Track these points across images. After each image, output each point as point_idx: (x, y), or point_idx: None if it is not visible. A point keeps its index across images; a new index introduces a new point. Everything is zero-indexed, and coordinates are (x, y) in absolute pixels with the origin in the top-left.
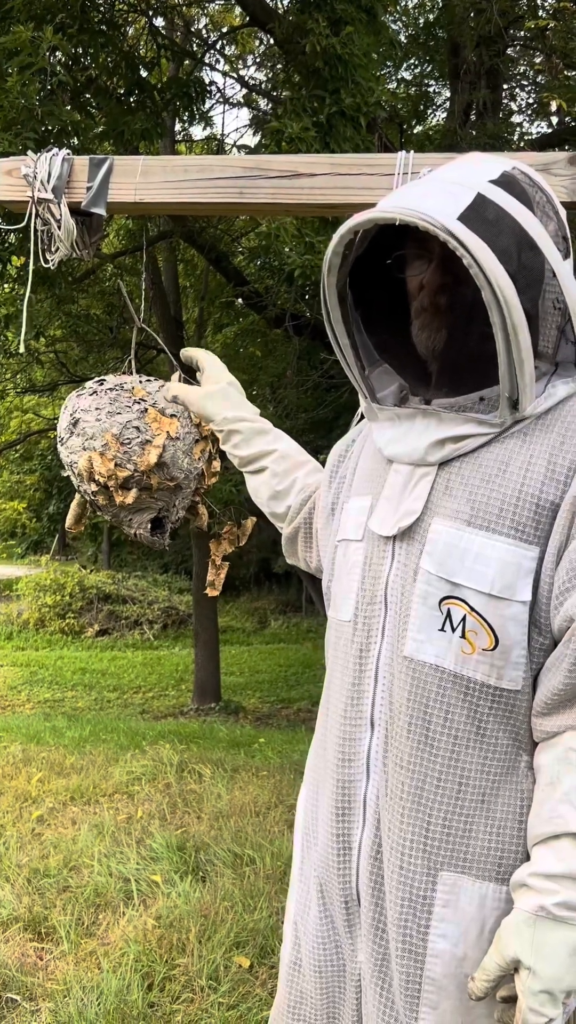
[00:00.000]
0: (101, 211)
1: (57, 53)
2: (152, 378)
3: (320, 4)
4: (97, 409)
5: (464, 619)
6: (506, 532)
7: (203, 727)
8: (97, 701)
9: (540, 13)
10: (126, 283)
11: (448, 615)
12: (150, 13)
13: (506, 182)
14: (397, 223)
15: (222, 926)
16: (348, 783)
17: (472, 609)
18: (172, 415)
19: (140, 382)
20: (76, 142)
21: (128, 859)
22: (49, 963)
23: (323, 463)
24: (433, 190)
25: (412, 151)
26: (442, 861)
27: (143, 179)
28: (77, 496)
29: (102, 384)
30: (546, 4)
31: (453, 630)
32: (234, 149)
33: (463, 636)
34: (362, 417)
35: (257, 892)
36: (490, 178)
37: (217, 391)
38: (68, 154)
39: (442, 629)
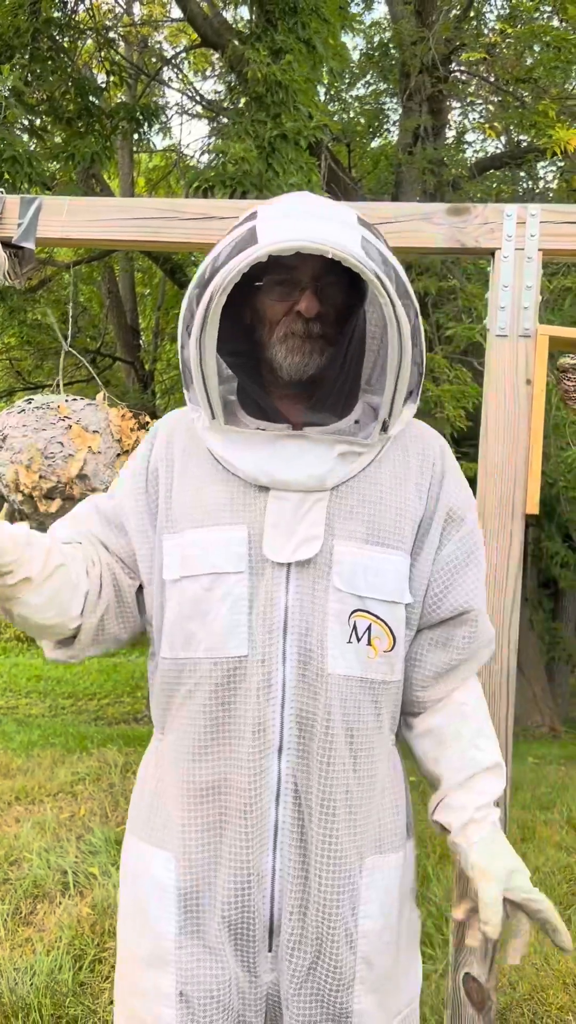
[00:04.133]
0: (31, 245)
1: (8, 82)
2: (78, 397)
3: (261, 35)
4: (24, 426)
5: (369, 628)
6: (395, 546)
7: (152, 731)
8: (51, 708)
9: (486, 32)
10: (82, 292)
11: (354, 627)
12: (102, 32)
13: (364, 223)
14: (330, 255)
15: None
16: (260, 815)
17: (377, 617)
18: (95, 431)
19: (66, 401)
20: (28, 169)
21: (67, 853)
22: None
23: None
24: (333, 225)
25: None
26: (367, 849)
27: (69, 217)
28: (5, 506)
29: (30, 403)
30: (487, 31)
31: (359, 640)
32: (196, 158)
33: (369, 643)
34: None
35: None
36: (357, 216)
37: None
38: (1, 192)
39: (349, 641)
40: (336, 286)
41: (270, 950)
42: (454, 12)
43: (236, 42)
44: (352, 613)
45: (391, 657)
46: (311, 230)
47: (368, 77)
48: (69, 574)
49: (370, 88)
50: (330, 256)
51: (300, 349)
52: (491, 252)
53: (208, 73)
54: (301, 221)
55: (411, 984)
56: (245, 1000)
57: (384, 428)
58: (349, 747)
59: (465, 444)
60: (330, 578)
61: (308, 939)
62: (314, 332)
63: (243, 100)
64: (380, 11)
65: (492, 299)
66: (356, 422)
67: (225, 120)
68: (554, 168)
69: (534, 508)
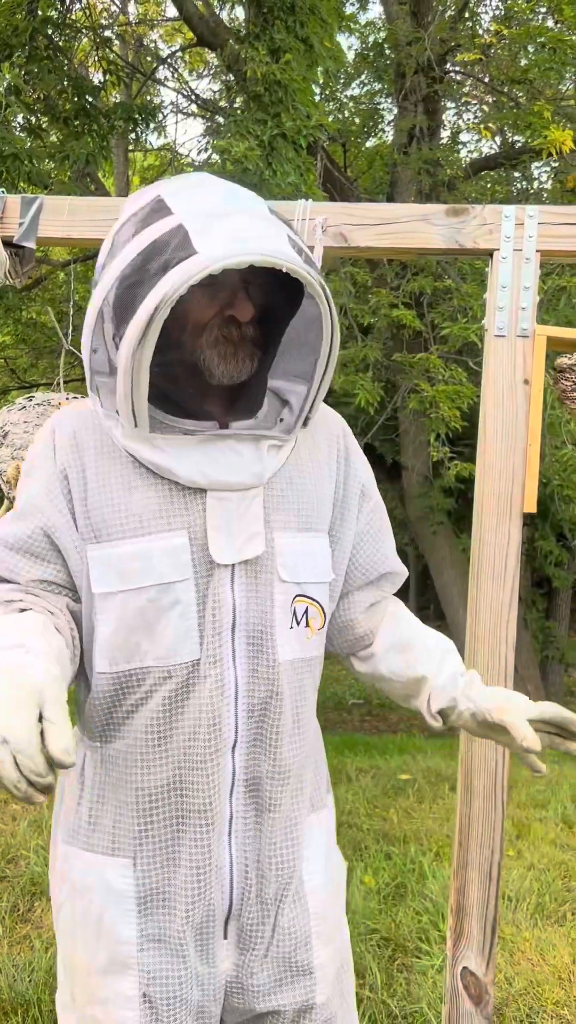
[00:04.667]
0: (31, 244)
1: (6, 80)
2: (78, 396)
3: (259, 34)
4: (25, 422)
5: (306, 610)
6: (319, 528)
7: None
8: None
9: (481, 32)
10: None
11: (294, 612)
12: (99, 31)
13: (274, 212)
14: (284, 269)
15: None
16: (218, 810)
17: (312, 599)
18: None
19: (66, 398)
20: (27, 167)
21: None
22: None
23: None
24: (267, 227)
25: (310, 199)
26: (304, 813)
27: (70, 217)
28: (6, 502)
29: (31, 400)
30: (482, 32)
31: (298, 623)
32: (191, 156)
33: (307, 625)
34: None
35: None
36: (266, 205)
37: None
38: (2, 192)
39: (292, 627)
40: (261, 287)
41: (225, 937)
42: (449, 13)
43: (233, 41)
44: (294, 599)
45: (321, 633)
46: (253, 238)
47: (363, 77)
48: (67, 659)
49: (365, 88)
50: (283, 270)
51: (235, 355)
52: (489, 253)
53: (203, 72)
54: (234, 224)
55: (345, 927)
56: (205, 991)
57: (305, 422)
58: (295, 727)
59: (460, 444)
60: (275, 571)
61: (268, 914)
62: (247, 336)
63: (240, 99)
64: (375, 11)
65: (490, 300)
66: (281, 419)
67: (221, 119)
68: (548, 168)
69: (532, 507)
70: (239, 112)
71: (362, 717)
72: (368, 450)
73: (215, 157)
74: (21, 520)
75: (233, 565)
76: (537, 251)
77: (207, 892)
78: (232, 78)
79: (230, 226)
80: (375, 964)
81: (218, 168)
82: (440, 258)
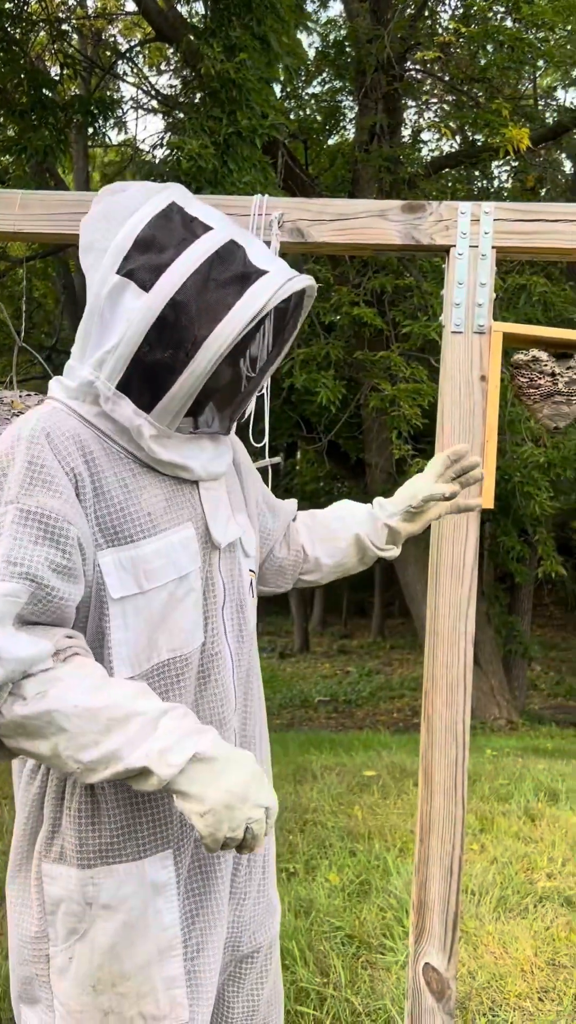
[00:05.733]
0: None
1: None
2: (32, 393)
3: (215, 31)
4: None
5: (252, 582)
6: (243, 509)
7: None
8: None
9: (440, 31)
10: (36, 288)
11: (250, 584)
12: (55, 24)
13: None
14: (309, 297)
15: None
16: None
17: (254, 571)
18: None
19: (19, 396)
20: None
21: None
22: None
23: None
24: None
25: (266, 195)
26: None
27: (22, 211)
28: None
29: None
30: (441, 31)
31: (251, 595)
32: (152, 153)
33: (252, 595)
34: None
35: None
36: None
37: None
38: None
39: (250, 597)
40: None
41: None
42: (409, 11)
43: (191, 37)
44: (250, 573)
45: (255, 600)
46: (286, 273)
47: (324, 75)
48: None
49: (327, 86)
50: (309, 297)
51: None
52: (446, 249)
53: (163, 68)
54: (263, 249)
55: None
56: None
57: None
58: (258, 682)
59: (423, 441)
60: (242, 548)
61: (255, 864)
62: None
63: (199, 95)
64: (336, 9)
65: (447, 296)
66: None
67: (181, 115)
68: (508, 168)
69: (489, 503)
70: (197, 108)
71: (328, 714)
72: (331, 448)
73: (174, 154)
74: (51, 539)
75: (220, 547)
76: (493, 247)
77: (227, 854)
78: (190, 74)
79: (261, 250)
80: (339, 962)
81: (174, 166)
82: (398, 254)
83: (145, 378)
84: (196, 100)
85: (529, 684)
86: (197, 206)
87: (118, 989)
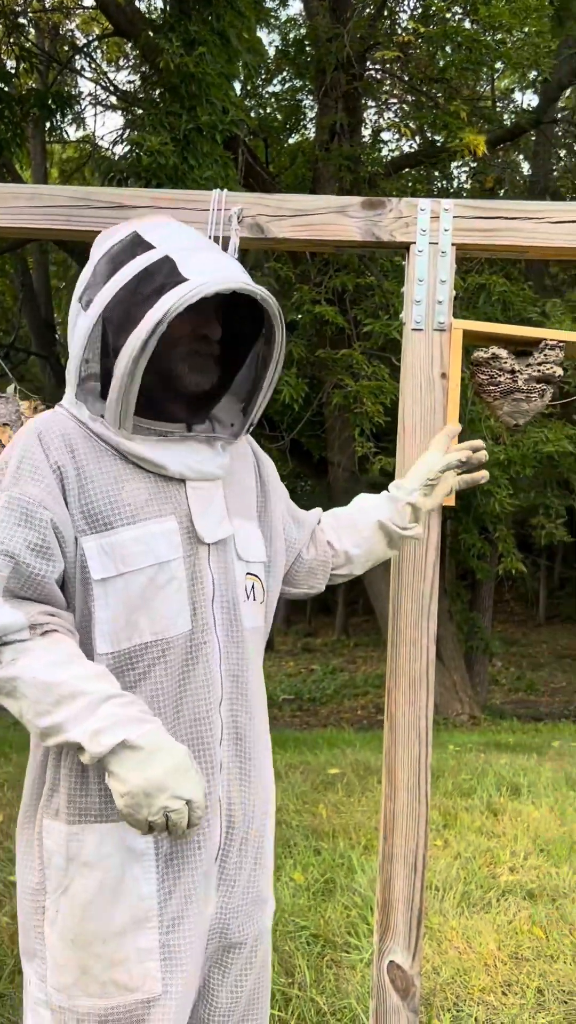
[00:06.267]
0: None
1: None
2: (41, 402)
3: (175, 25)
4: None
5: (253, 586)
6: (252, 516)
7: None
8: None
9: (399, 31)
10: None
11: (246, 587)
12: (10, 16)
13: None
14: (258, 297)
15: None
16: (212, 760)
17: (256, 576)
18: (5, 424)
19: (34, 408)
20: None
21: None
22: None
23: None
24: (237, 265)
25: (225, 189)
26: (268, 758)
27: None
28: None
29: None
30: (400, 31)
31: (248, 597)
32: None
33: (254, 599)
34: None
35: None
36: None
37: None
38: None
39: (246, 600)
40: (222, 310)
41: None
42: (368, 10)
43: (150, 31)
44: (246, 576)
45: (262, 607)
46: (231, 270)
47: (284, 74)
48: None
49: (287, 84)
50: (258, 298)
51: (203, 367)
52: (406, 246)
53: (122, 63)
54: (210, 258)
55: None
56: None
57: (249, 429)
58: (258, 686)
59: (385, 439)
60: (236, 550)
61: (246, 853)
62: (215, 352)
63: (158, 91)
64: (296, 7)
65: (407, 293)
66: (232, 425)
67: (140, 111)
68: (467, 169)
69: (450, 500)
70: (156, 103)
71: (292, 713)
72: (294, 446)
73: (133, 151)
74: (28, 522)
75: (209, 544)
76: (453, 244)
77: (211, 837)
78: (149, 69)
79: (209, 259)
80: (304, 961)
81: (134, 163)
82: (358, 251)
83: (93, 386)
84: (155, 96)
85: (491, 680)
86: (160, 231)
87: (94, 949)
